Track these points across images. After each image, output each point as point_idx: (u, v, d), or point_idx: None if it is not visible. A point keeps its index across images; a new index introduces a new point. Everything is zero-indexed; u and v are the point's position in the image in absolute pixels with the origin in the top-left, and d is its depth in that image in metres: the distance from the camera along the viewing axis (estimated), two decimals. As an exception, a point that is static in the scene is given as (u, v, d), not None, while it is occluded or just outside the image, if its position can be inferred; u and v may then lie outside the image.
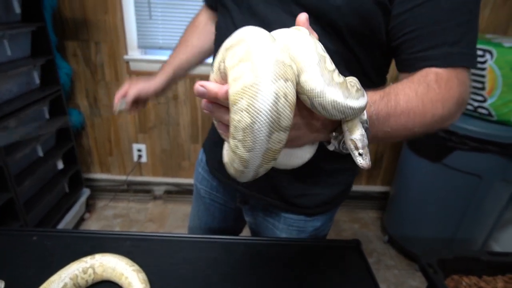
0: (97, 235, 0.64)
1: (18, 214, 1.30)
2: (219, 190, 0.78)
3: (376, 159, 2.02)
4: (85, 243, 0.60)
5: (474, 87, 1.33)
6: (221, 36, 0.61)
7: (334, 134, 0.37)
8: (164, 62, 0.80)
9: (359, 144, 0.34)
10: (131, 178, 2.02)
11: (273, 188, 0.67)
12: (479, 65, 1.29)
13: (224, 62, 0.30)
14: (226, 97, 0.29)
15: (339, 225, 1.98)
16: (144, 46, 1.74)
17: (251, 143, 0.28)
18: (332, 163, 0.64)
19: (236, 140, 0.29)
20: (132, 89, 0.76)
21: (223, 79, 0.31)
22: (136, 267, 0.52)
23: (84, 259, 0.52)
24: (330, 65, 0.31)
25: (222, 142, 0.42)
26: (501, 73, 1.23)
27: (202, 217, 0.84)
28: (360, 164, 0.35)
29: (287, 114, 0.28)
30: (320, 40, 0.36)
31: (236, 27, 0.37)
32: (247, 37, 0.29)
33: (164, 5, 1.63)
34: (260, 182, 0.65)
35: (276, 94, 0.26)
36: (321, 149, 0.45)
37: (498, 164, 1.31)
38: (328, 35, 0.49)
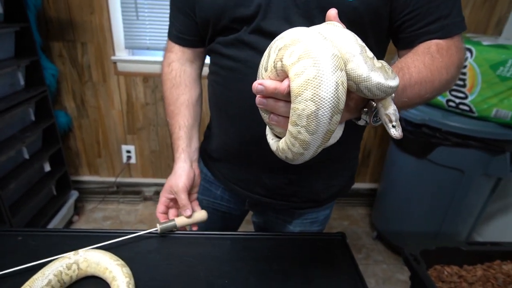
0: (83, 234, 0.64)
1: (4, 217, 1.28)
2: (223, 198, 0.78)
3: (363, 156, 2.06)
4: (71, 241, 0.60)
5: (456, 84, 1.37)
6: (245, 69, 0.58)
7: (365, 109, 0.41)
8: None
9: (393, 118, 0.38)
10: (120, 179, 2.00)
11: (296, 194, 0.69)
12: (460, 63, 1.33)
13: (281, 61, 0.34)
14: (287, 91, 0.34)
15: (330, 223, 2.01)
16: (131, 47, 1.73)
17: (314, 127, 0.33)
18: (347, 152, 0.69)
19: (299, 127, 0.33)
20: (179, 192, 0.66)
21: (279, 76, 0.36)
22: (120, 261, 0.53)
23: (68, 255, 0.52)
24: (370, 53, 0.36)
25: (237, 155, 0.46)
26: (480, 70, 1.27)
27: (201, 225, 0.84)
28: (394, 135, 0.39)
29: (343, 98, 0.32)
30: None
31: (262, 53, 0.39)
32: (302, 37, 0.33)
33: (151, 5, 1.62)
34: (282, 189, 0.67)
35: (336, 83, 0.31)
36: (341, 142, 0.47)
37: (480, 159, 1.36)
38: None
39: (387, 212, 1.76)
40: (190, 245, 0.63)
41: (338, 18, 0.39)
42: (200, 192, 0.80)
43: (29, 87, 1.49)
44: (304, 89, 0.32)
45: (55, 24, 1.62)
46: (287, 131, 0.36)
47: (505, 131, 1.29)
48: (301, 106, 0.32)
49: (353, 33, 0.36)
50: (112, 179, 2.00)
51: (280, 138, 0.41)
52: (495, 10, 1.68)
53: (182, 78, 0.72)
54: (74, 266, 0.51)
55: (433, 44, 0.51)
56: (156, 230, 0.63)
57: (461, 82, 1.35)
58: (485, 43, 1.29)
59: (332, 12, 0.39)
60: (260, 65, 0.39)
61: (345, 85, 0.32)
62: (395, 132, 0.38)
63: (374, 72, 0.35)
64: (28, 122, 1.54)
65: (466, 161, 1.38)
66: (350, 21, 0.50)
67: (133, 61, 1.73)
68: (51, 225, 1.60)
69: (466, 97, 1.35)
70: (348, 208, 2.15)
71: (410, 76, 0.45)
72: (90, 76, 1.75)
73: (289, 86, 0.34)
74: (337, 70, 0.31)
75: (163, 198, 0.69)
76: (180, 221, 0.65)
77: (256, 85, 0.35)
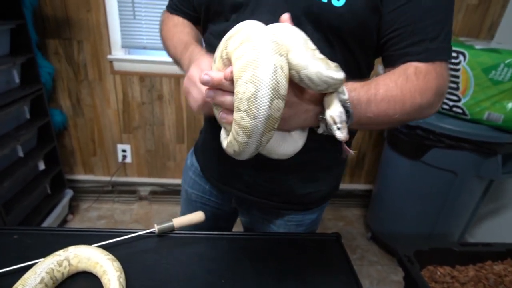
0: (81, 233, 0.64)
1: (-3, 216, 1.27)
2: (212, 193, 0.78)
3: (359, 158, 2.08)
4: (68, 241, 0.60)
5: (450, 87, 1.39)
6: None
7: (320, 116, 0.42)
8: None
9: (337, 120, 0.39)
10: (116, 178, 1.99)
11: (275, 192, 0.68)
12: (454, 66, 1.35)
13: (226, 49, 0.36)
14: (231, 76, 0.34)
15: (324, 223, 2.02)
16: (128, 46, 1.73)
17: (255, 111, 0.32)
18: (328, 159, 0.67)
19: (241, 111, 0.33)
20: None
21: (225, 65, 0.36)
22: (111, 256, 0.53)
23: (58, 252, 0.52)
24: (312, 45, 0.37)
25: (220, 150, 0.45)
26: (473, 73, 1.29)
27: None
28: (339, 137, 0.40)
29: (283, 83, 0.33)
30: (320, 45, 0.44)
31: None
32: (245, 26, 0.35)
33: (148, 4, 1.62)
34: (262, 187, 0.67)
35: (275, 65, 0.32)
36: (319, 148, 0.48)
37: (472, 161, 1.38)
38: (328, 41, 0.52)
39: (381, 213, 1.78)
40: (187, 245, 0.63)
41: (290, 21, 0.40)
42: (190, 186, 0.80)
43: (24, 85, 1.48)
44: (244, 72, 0.32)
45: (51, 21, 1.60)
46: (233, 121, 0.36)
47: (497, 134, 1.32)
48: (241, 89, 0.33)
49: (299, 30, 0.38)
50: (107, 178, 1.99)
51: None
52: (488, 15, 1.71)
53: (186, 23, 0.68)
54: (65, 263, 0.51)
55: (411, 67, 0.49)
56: (154, 230, 0.63)
57: (454, 85, 1.37)
58: (477, 47, 1.31)
59: (285, 16, 0.40)
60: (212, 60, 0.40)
61: (286, 71, 0.33)
62: (340, 134, 0.39)
63: (314, 61, 0.36)
64: (23, 120, 1.52)
65: (459, 163, 1.40)
66: (332, 30, 0.50)
67: (129, 60, 1.72)
68: (45, 224, 1.58)
69: (459, 100, 1.37)
70: (343, 209, 2.16)
71: (376, 91, 0.45)
72: (86, 74, 1.74)
73: (232, 72, 0.34)
74: (276, 54, 0.32)
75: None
76: (178, 221, 0.65)
77: (202, 75, 0.36)
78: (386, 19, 0.50)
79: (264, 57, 0.32)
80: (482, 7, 1.68)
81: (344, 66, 0.54)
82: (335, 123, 0.39)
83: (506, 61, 1.22)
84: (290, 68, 0.36)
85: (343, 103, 0.41)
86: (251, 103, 0.32)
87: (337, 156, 0.68)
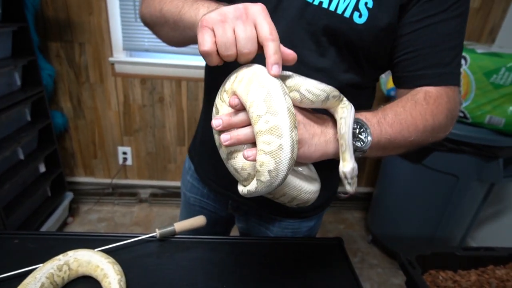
0: (82, 237, 0.64)
1: (-3, 219, 1.27)
2: (210, 197, 0.77)
3: (359, 161, 2.07)
4: (68, 245, 0.59)
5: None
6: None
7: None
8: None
9: (349, 176, 0.42)
10: (116, 181, 1.99)
11: (271, 202, 0.68)
12: (455, 70, 1.35)
13: (234, 89, 0.38)
14: (237, 103, 0.37)
15: (325, 226, 2.02)
16: (129, 48, 1.73)
17: (275, 108, 0.35)
18: (327, 170, 0.66)
19: (262, 118, 0.35)
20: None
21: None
22: (111, 259, 0.53)
23: (57, 257, 0.52)
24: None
25: (217, 152, 0.44)
26: (474, 77, 1.29)
27: None
28: (348, 190, 0.43)
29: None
30: (333, 59, 0.52)
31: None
32: (252, 67, 0.38)
33: (150, 7, 1.62)
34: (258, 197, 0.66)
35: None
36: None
37: (474, 165, 1.38)
38: (342, 55, 0.52)
39: (382, 216, 1.77)
40: (189, 250, 0.63)
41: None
42: (188, 189, 0.80)
43: (25, 87, 1.48)
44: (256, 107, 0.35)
45: (53, 24, 1.61)
46: (258, 145, 0.36)
47: (498, 138, 1.31)
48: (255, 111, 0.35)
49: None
50: (107, 180, 1.98)
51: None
52: (489, 19, 1.71)
53: None
54: (65, 267, 0.51)
55: (421, 92, 0.50)
56: (155, 234, 0.63)
57: (456, 89, 1.37)
58: (479, 51, 1.31)
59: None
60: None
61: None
62: (349, 188, 0.42)
63: (308, 78, 0.40)
64: (24, 122, 1.52)
65: (460, 167, 1.40)
66: (348, 45, 0.51)
67: (131, 63, 1.73)
68: (45, 227, 1.58)
69: (460, 104, 1.37)
70: (344, 212, 2.16)
71: (384, 115, 0.46)
72: (87, 77, 1.74)
73: (237, 97, 0.37)
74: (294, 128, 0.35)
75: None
76: (179, 226, 0.65)
77: (212, 122, 0.37)
78: (402, 40, 0.50)
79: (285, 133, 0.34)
80: (483, 11, 1.68)
81: (350, 76, 0.55)
82: (346, 178, 0.42)
83: (508, 65, 1.22)
84: (292, 90, 0.39)
85: (356, 121, 0.42)
86: (267, 101, 0.35)
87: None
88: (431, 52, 0.50)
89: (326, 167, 0.67)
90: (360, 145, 0.42)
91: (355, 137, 0.42)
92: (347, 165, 0.41)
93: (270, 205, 0.68)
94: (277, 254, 0.65)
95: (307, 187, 0.45)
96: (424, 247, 0.90)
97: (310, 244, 0.69)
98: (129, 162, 1.95)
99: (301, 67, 0.50)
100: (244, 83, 0.37)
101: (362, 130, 0.42)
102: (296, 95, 0.39)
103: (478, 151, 1.33)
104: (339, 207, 2.16)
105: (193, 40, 0.52)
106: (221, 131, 0.38)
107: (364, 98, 0.62)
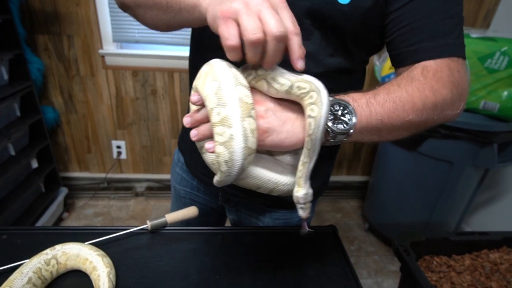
0: (72, 231, 0.63)
1: (-10, 216, 1.25)
2: (199, 189, 0.76)
3: (355, 150, 2.07)
4: (59, 239, 0.58)
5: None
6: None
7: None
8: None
9: (301, 200, 0.42)
10: (111, 175, 1.98)
11: (261, 193, 0.67)
12: (449, 56, 1.34)
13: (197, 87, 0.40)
14: (197, 99, 0.39)
15: (322, 215, 2.03)
16: (119, 40, 1.69)
17: (224, 100, 0.36)
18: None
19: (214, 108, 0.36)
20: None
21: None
22: (101, 252, 0.52)
23: (45, 251, 0.50)
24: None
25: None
26: (469, 62, 1.28)
27: None
28: (300, 215, 0.43)
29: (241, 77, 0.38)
30: (318, 43, 0.49)
31: None
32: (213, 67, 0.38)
33: (139, -3, 1.58)
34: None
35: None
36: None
37: (468, 151, 1.38)
38: (327, 38, 0.50)
39: (378, 204, 1.78)
40: (181, 241, 0.62)
41: None
42: (178, 182, 0.79)
43: (13, 81, 1.45)
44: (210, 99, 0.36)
45: (39, 16, 1.57)
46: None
47: (492, 123, 1.31)
48: (206, 88, 0.37)
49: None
50: (102, 175, 1.97)
51: None
52: (484, 3, 1.69)
53: None
54: (53, 261, 0.50)
55: (418, 67, 0.46)
56: (147, 226, 0.62)
57: (450, 75, 1.36)
58: (473, 35, 1.30)
59: None
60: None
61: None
62: (301, 212, 0.42)
63: (283, 69, 0.39)
64: (13, 117, 1.50)
65: (455, 153, 1.40)
66: (333, 27, 0.48)
67: (121, 55, 1.69)
68: (40, 223, 1.57)
69: (468, 77, 1.36)
70: (341, 201, 2.17)
71: (375, 94, 0.42)
72: (77, 70, 1.71)
73: (197, 94, 0.38)
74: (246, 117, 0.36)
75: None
76: (171, 217, 0.64)
77: (183, 120, 0.39)
78: (393, 16, 0.47)
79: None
80: (477, -5, 1.66)
81: (337, 60, 0.52)
82: (299, 202, 0.42)
83: (502, 49, 1.21)
84: (260, 79, 0.39)
85: (335, 102, 0.39)
86: (218, 94, 0.36)
87: (326, 155, 0.66)
88: (427, 23, 0.45)
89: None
90: (343, 127, 0.39)
91: (337, 119, 0.39)
92: (301, 191, 0.41)
93: (259, 196, 0.67)
94: (271, 243, 0.64)
95: (283, 180, 0.43)
96: (419, 233, 0.91)
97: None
98: (123, 156, 1.94)
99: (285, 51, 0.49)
100: (202, 79, 0.38)
101: (346, 111, 0.39)
102: (264, 83, 0.38)
103: (473, 137, 1.33)
104: (336, 196, 2.17)
105: (187, 24, 0.49)
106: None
107: (353, 84, 0.59)
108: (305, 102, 0.37)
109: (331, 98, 0.39)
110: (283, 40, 0.33)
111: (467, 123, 1.31)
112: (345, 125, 0.39)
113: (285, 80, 0.38)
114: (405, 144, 1.51)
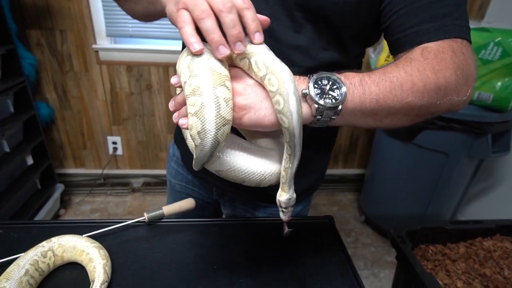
0: (69, 224, 0.63)
1: (-14, 213, 1.25)
2: (195, 183, 0.76)
3: (351, 143, 2.08)
4: (54, 233, 0.58)
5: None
6: None
7: (304, 91, 0.39)
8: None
9: (283, 205, 0.42)
10: (107, 171, 1.97)
11: (254, 188, 0.67)
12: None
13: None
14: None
15: (318, 208, 2.04)
16: (113, 34, 1.67)
17: (195, 71, 0.35)
18: (311, 150, 0.64)
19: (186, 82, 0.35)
20: None
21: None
22: (97, 243, 0.52)
23: (41, 244, 0.51)
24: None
25: None
26: (464, 54, 1.29)
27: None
28: (281, 217, 0.43)
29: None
30: (310, 36, 0.48)
31: None
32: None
33: (132, -10, 1.56)
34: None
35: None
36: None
37: (463, 142, 1.39)
38: (319, 31, 0.49)
39: (374, 196, 1.80)
40: (178, 233, 0.63)
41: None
42: (173, 176, 0.79)
43: (6, 77, 1.43)
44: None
45: (31, 11, 1.54)
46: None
47: (486, 114, 1.32)
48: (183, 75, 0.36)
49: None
50: (98, 171, 1.96)
51: None
52: (479, -6, 1.69)
53: None
54: (50, 253, 0.50)
55: (418, 49, 0.43)
56: (144, 219, 0.62)
57: (445, 66, 1.36)
58: (468, 26, 1.30)
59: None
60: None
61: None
62: (283, 216, 0.43)
63: (274, 55, 0.37)
64: (7, 114, 1.48)
65: (450, 144, 1.41)
66: (325, 18, 0.47)
67: (115, 50, 1.67)
68: (36, 219, 1.56)
69: (474, 59, 1.36)
70: (337, 194, 2.18)
71: (370, 73, 0.39)
72: (71, 65, 1.69)
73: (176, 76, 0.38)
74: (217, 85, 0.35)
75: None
76: (168, 209, 0.64)
77: (169, 104, 0.40)
78: (388, 1, 0.45)
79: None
80: (472, -14, 1.66)
81: (330, 52, 0.51)
82: (281, 206, 0.42)
83: (496, 40, 1.22)
84: (243, 56, 0.37)
85: (324, 76, 0.36)
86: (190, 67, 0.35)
87: (321, 148, 0.66)
88: (426, 4, 0.42)
89: (311, 147, 0.66)
90: (331, 102, 0.35)
91: (324, 93, 0.36)
92: (284, 195, 0.42)
93: (253, 190, 0.67)
94: (268, 234, 0.64)
95: (269, 169, 0.41)
96: (415, 224, 0.92)
97: (301, 223, 0.69)
98: (119, 151, 1.93)
99: (276, 45, 0.47)
100: (180, 59, 0.37)
101: (335, 87, 0.36)
102: (246, 62, 0.37)
103: (467, 128, 1.34)
104: (332, 189, 2.18)
105: (158, 15, 0.54)
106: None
107: None
108: (274, 105, 0.35)
109: (320, 74, 0.37)
110: (232, 12, 0.33)
111: (462, 114, 1.32)
112: (333, 100, 0.36)
113: (262, 66, 0.35)
114: (400, 135, 1.52)
